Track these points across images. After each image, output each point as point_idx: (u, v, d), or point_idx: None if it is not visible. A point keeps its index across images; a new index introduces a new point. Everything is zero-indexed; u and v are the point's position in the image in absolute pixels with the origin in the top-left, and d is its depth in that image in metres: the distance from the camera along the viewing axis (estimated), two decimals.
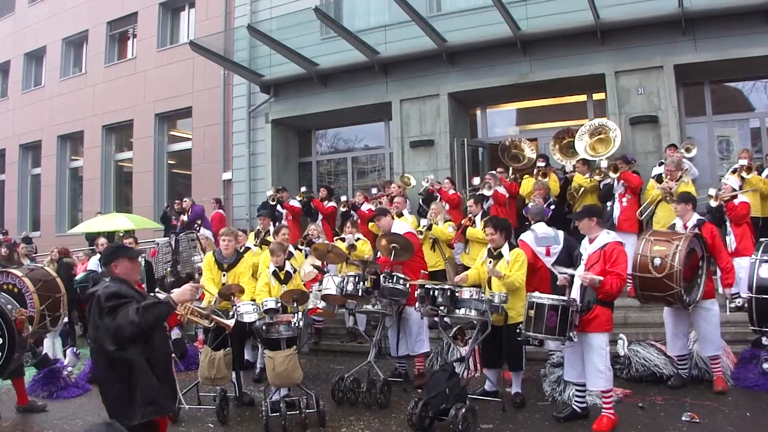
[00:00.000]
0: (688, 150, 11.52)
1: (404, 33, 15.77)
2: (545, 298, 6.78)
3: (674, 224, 8.61)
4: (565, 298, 6.84)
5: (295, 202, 15.04)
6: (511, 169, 13.87)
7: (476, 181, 13.54)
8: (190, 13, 21.32)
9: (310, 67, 16.95)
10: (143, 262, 9.99)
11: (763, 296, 6.31)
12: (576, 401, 7.25)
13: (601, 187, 11.94)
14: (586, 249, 7.22)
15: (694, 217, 8.39)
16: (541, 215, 9.84)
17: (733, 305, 9.99)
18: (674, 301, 7.51)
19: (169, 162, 21.69)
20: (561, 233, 9.46)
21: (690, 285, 7.54)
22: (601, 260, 6.92)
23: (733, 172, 10.88)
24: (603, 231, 7.23)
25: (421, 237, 10.80)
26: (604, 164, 11.85)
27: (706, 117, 14.50)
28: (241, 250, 10.53)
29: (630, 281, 7.96)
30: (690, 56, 13.54)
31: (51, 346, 11.93)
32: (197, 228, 15.05)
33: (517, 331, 7.01)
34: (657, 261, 7.37)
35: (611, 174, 11.50)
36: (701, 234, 7.93)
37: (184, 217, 15.96)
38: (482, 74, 15.48)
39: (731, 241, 9.90)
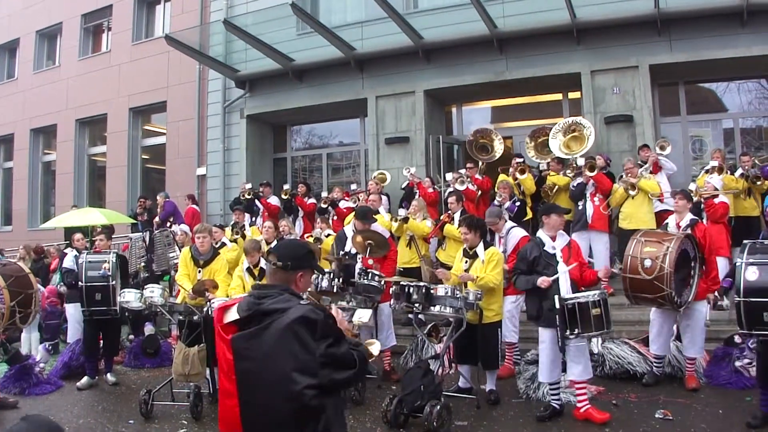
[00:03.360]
0: (662, 147, 11.61)
1: (381, 30, 15.72)
2: (583, 296, 6.81)
3: (667, 224, 8.65)
4: (598, 291, 6.96)
5: (273, 200, 14.99)
6: (480, 162, 13.82)
7: (449, 176, 13.54)
8: (166, 7, 21.15)
9: (286, 62, 16.88)
10: (114, 257, 9.89)
11: (751, 299, 6.32)
12: (552, 399, 7.30)
13: (574, 186, 11.98)
14: (556, 246, 7.25)
15: (688, 217, 8.46)
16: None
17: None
18: (665, 303, 7.52)
19: (143, 157, 21.52)
20: None
21: (680, 286, 7.57)
22: (573, 254, 7.24)
23: (706, 172, 10.99)
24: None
25: (395, 224, 10.85)
26: (581, 161, 11.90)
27: (681, 117, 14.61)
28: (217, 246, 10.50)
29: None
30: (665, 57, 13.61)
31: (28, 340, 11.85)
32: (170, 225, 14.96)
33: (568, 336, 6.75)
34: (647, 262, 7.38)
35: (587, 172, 11.54)
36: (693, 234, 7.97)
37: (157, 218, 15.86)
38: (458, 72, 15.48)
39: None
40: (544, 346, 7.14)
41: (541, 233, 7.45)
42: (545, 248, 7.26)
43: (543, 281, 6.97)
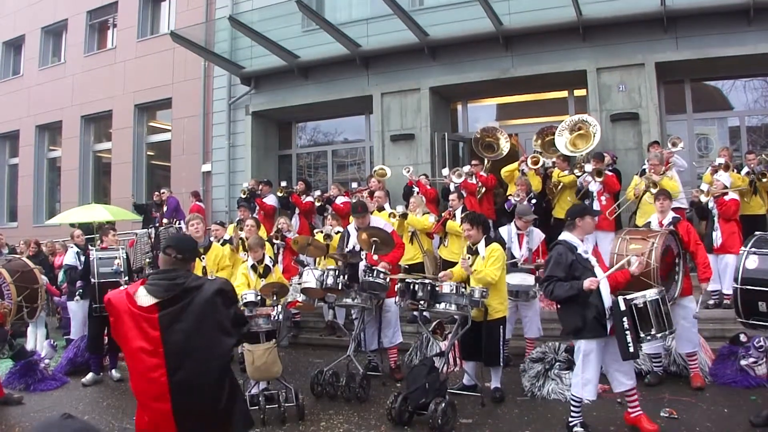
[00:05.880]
0: (674, 144, 11.55)
1: (386, 26, 15.73)
2: (648, 294, 6.31)
3: (649, 222, 8.61)
4: (655, 290, 6.48)
5: (269, 199, 14.98)
6: (486, 160, 13.82)
7: (445, 171, 13.56)
8: (171, 4, 21.15)
9: (292, 59, 16.89)
10: (123, 254, 9.91)
11: (748, 287, 6.31)
12: (577, 418, 6.70)
13: (580, 184, 11.97)
14: (587, 251, 6.76)
15: (670, 215, 8.44)
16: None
17: (711, 302, 10.09)
18: None
19: (148, 153, 21.55)
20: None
21: (666, 283, 7.53)
22: (600, 259, 6.82)
23: (714, 171, 10.94)
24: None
25: (394, 221, 10.81)
26: (588, 167, 11.85)
27: (686, 115, 14.58)
28: (220, 242, 10.53)
29: None
30: (671, 54, 13.61)
31: (34, 335, 11.86)
32: (174, 221, 14.98)
33: (638, 342, 6.21)
34: (633, 259, 7.33)
35: (596, 178, 11.52)
36: (677, 231, 7.94)
37: (165, 220, 15.88)
38: (464, 69, 15.48)
39: (717, 236, 10.01)
40: (592, 357, 6.43)
41: (569, 236, 6.82)
42: (578, 252, 6.68)
43: (591, 282, 6.33)
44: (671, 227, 8.02)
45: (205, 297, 4.04)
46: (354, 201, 10.55)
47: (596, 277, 6.43)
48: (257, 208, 14.78)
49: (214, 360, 4.06)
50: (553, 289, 6.53)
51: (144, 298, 4.00)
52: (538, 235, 9.43)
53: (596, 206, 11.46)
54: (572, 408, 6.64)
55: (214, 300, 4.06)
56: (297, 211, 14.62)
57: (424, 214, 11.58)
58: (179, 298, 4.02)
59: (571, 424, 6.60)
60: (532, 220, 9.49)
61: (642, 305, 6.18)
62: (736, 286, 6.41)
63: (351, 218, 9.88)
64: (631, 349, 6.11)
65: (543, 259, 9.25)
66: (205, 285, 4.12)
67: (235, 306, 4.29)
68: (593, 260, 6.63)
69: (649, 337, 6.23)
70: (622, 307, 6.13)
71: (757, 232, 6.88)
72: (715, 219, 10.23)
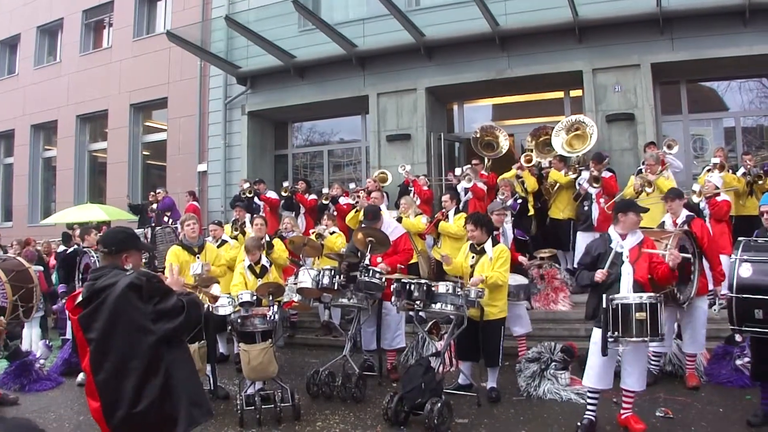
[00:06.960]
0: (669, 147, 11.56)
1: (382, 27, 15.73)
2: (631, 298, 6.20)
3: (663, 222, 8.59)
4: (652, 294, 6.30)
5: (272, 194, 15.03)
6: (486, 159, 13.85)
7: (458, 171, 13.54)
8: (167, 3, 21.11)
9: (288, 59, 16.88)
10: None
11: (743, 296, 6.29)
12: (589, 410, 6.76)
13: (578, 187, 11.99)
14: (624, 245, 6.63)
15: (684, 214, 8.40)
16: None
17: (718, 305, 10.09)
18: (667, 300, 7.41)
19: (144, 153, 21.53)
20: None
21: (683, 283, 7.50)
22: (645, 256, 6.59)
23: (709, 171, 10.95)
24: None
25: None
26: (585, 175, 11.88)
27: (682, 116, 14.61)
28: (218, 243, 10.51)
29: None
30: (667, 55, 13.63)
31: (29, 336, 11.84)
32: (169, 221, 14.97)
33: (610, 340, 6.20)
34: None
35: (594, 184, 11.54)
36: (691, 230, 7.92)
37: (154, 206, 15.91)
38: (460, 69, 15.48)
39: None
40: (596, 348, 6.47)
41: (611, 229, 6.90)
42: (611, 245, 6.71)
43: (598, 273, 6.44)
44: (685, 227, 8.02)
45: (116, 294, 3.95)
46: (365, 207, 10.49)
47: (623, 272, 6.50)
48: (262, 205, 14.81)
49: (134, 360, 3.93)
50: (578, 275, 6.94)
51: (79, 298, 4.11)
52: (510, 234, 9.48)
53: (595, 209, 11.51)
54: (587, 400, 6.78)
55: (126, 296, 3.96)
56: (302, 210, 14.65)
57: (416, 215, 11.60)
58: (93, 298, 4.03)
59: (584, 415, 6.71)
60: (504, 215, 9.56)
61: (615, 306, 6.17)
62: (731, 294, 6.38)
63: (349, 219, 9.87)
64: (602, 346, 6.24)
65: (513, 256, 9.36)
66: (118, 282, 4.01)
67: (159, 299, 4.10)
68: (626, 255, 6.58)
69: (611, 339, 6.18)
70: (604, 304, 6.21)
71: (740, 238, 6.85)
72: (707, 219, 10.23)
